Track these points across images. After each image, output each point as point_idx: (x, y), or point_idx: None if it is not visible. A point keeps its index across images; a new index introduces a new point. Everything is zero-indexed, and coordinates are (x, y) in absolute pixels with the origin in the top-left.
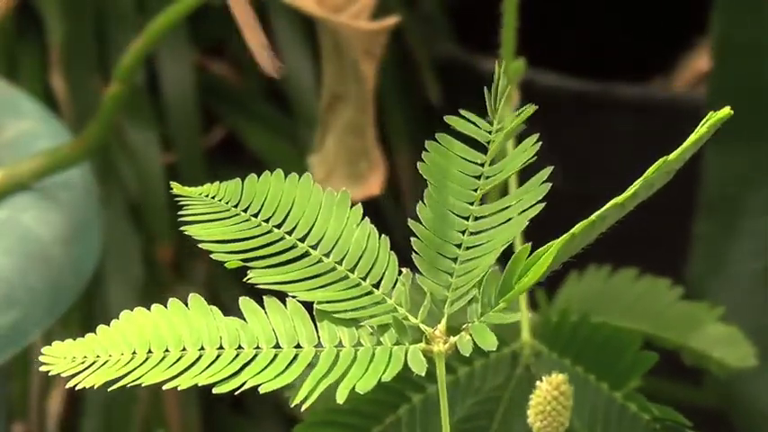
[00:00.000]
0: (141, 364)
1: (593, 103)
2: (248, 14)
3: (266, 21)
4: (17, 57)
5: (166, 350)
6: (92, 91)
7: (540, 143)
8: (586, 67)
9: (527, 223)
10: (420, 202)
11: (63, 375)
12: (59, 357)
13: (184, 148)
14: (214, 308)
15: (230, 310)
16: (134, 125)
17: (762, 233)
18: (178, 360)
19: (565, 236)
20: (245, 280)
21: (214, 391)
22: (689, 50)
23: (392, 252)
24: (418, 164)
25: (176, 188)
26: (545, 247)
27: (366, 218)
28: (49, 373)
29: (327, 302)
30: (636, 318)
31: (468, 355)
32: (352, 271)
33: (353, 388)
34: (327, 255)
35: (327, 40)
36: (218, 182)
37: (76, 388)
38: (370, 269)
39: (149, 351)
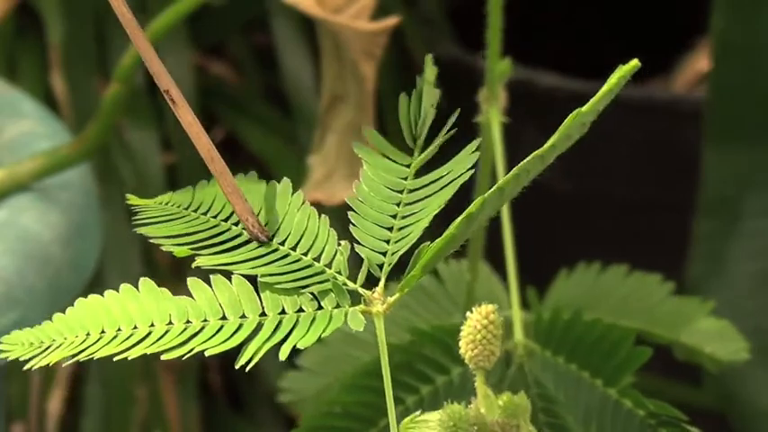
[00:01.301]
0: (94, 343)
1: None
2: (232, 185)
3: (266, 21)
4: (17, 57)
5: (119, 329)
6: (92, 91)
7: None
8: (586, 67)
9: (526, 223)
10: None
11: (21, 359)
12: (17, 344)
13: (184, 148)
14: (164, 289)
15: None
16: (134, 125)
17: (762, 234)
18: (129, 337)
19: (446, 233)
20: (192, 266)
21: (162, 357)
22: (689, 50)
23: (332, 228)
24: (354, 144)
25: (132, 200)
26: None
27: (306, 202)
28: (51, 371)
29: (270, 275)
30: (627, 314)
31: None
32: (294, 249)
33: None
34: (270, 238)
35: (327, 40)
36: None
37: (76, 388)
38: (311, 246)
39: (102, 331)
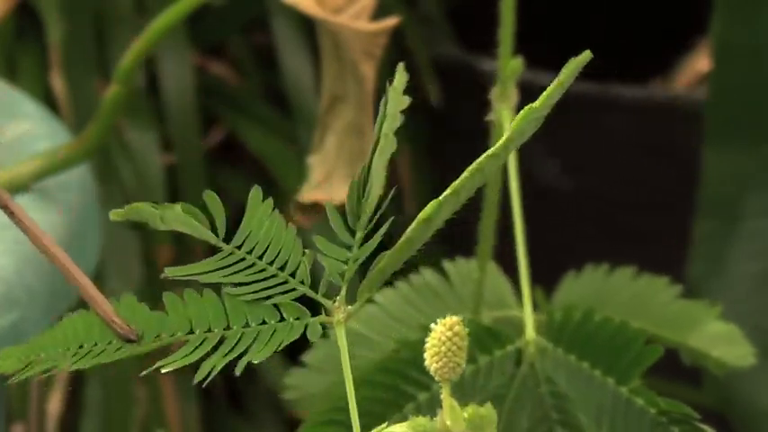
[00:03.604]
0: (72, 357)
1: (594, 103)
2: (94, 290)
3: (266, 21)
4: (17, 57)
5: (95, 344)
6: (92, 91)
7: (536, 142)
8: (586, 67)
9: (526, 223)
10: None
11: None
12: (6, 360)
13: (184, 148)
14: (142, 304)
15: None
16: (134, 125)
17: (762, 234)
18: (102, 352)
19: (399, 243)
20: (161, 276)
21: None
22: (689, 51)
23: (298, 238)
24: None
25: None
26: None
27: (275, 210)
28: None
29: (235, 286)
30: (634, 316)
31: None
32: (260, 258)
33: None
34: (239, 247)
35: (327, 40)
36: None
37: (76, 388)
38: (277, 255)
39: (80, 347)
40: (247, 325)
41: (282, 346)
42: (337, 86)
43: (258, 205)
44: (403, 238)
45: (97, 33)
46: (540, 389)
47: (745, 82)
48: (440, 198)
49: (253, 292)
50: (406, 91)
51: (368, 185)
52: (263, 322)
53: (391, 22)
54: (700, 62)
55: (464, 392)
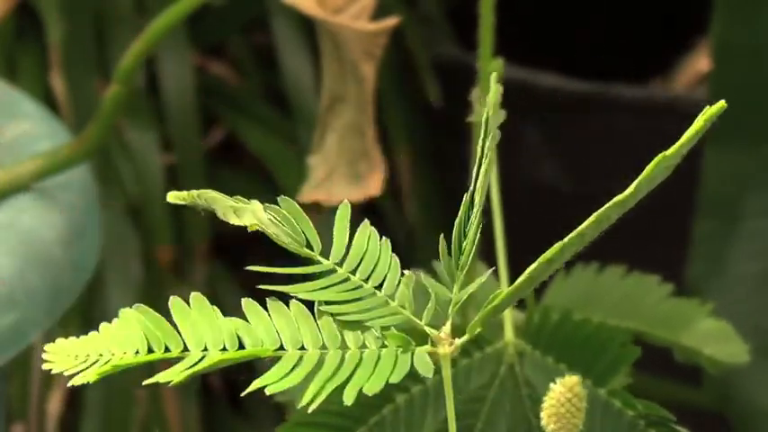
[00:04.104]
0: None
1: (593, 104)
2: None
3: (266, 21)
4: (17, 57)
5: (166, 349)
6: (92, 91)
7: (538, 144)
8: (586, 67)
9: (526, 223)
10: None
11: (65, 374)
12: (61, 355)
13: (184, 148)
14: (215, 308)
15: (230, 310)
16: (134, 125)
17: (762, 234)
18: (179, 360)
19: (534, 268)
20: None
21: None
22: (689, 51)
23: (394, 254)
24: None
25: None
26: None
27: (366, 220)
28: (51, 372)
29: (328, 304)
30: (625, 315)
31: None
32: (353, 273)
33: (361, 390)
34: (326, 257)
35: (327, 40)
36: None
37: (76, 388)
38: (372, 271)
39: (149, 350)
40: (345, 346)
41: (392, 378)
42: (337, 86)
43: (346, 216)
44: (523, 277)
45: (97, 33)
46: (520, 391)
47: (745, 82)
48: (564, 241)
49: (351, 313)
50: (407, 91)
51: (470, 217)
52: (364, 346)
53: (391, 22)
54: (700, 62)
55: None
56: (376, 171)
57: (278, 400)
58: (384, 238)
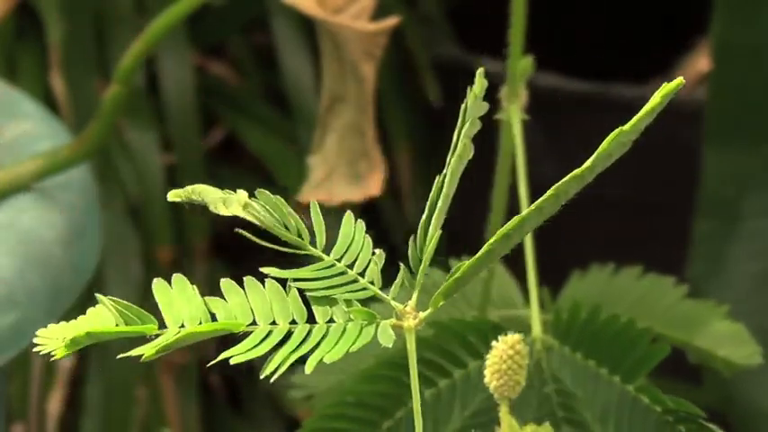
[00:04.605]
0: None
1: (593, 103)
2: None
3: (266, 21)
4: (17, 57)
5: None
6: (92, 91)
7: (539, 144)
8: (586, 67)
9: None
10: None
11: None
12: (52, 339)
13: (184, 148)
14: (194, 287)
15: None
16: (134, 125)
17: (762, 234)
18: (157, 336)
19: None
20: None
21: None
22: (689, 51)
23: (367, 234)
24: None
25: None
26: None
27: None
28: (51, 372)
29: (301, 280)
30: (640, 316)
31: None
32: (326, 253)
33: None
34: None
35: (327, 40)
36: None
37: (76, 388)
38: (345, 251)
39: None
40: (313, 321)
41: (353, 347)
42: (337, 86)
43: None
44: (484, 250)
45: (97, 33)
46: (547, 386)
47: (745, 82)
48: (522, 214)
49: (321, 289)
50: (407, 91)
51: (443, 188)
52: (331, 320)
53: (391, 22)
54: (700, 62)
55: (471, 388)
56: (376, 171)
57: (295, 396)
58: (359, 219)
